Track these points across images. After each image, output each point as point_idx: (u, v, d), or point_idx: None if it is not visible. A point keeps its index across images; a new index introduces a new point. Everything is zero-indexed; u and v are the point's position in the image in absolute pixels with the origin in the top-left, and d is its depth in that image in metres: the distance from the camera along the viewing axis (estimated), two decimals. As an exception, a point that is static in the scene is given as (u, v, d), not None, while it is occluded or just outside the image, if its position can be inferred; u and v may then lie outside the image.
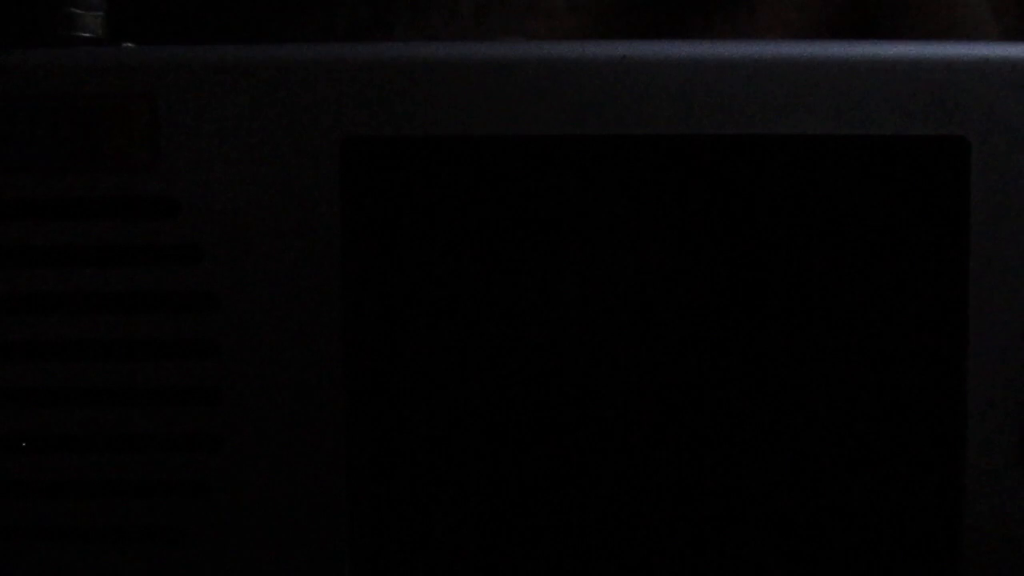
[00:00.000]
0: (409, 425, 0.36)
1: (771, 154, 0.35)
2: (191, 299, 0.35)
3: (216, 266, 0.35)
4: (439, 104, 0.35)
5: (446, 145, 0.35)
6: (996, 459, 0.35)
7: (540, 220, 0.35)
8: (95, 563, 0.36)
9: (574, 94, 0.34)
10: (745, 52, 0.35)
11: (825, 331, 0.35)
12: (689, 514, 0.36)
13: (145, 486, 0.35)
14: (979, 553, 0.35)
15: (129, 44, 0.36)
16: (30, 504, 0.36)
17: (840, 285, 0.35)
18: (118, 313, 0.35)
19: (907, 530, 0.36)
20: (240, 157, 0.35)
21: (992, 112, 0.34)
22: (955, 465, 0.35)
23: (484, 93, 0.35)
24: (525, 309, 0.36)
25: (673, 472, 0.36)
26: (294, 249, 0.35)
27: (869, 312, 0.35)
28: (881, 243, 0.35)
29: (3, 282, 0.35)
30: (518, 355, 0.36)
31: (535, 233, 0.35)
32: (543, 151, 0.35)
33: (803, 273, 0.35)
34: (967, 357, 0.35)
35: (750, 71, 0.34)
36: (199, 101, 0.35)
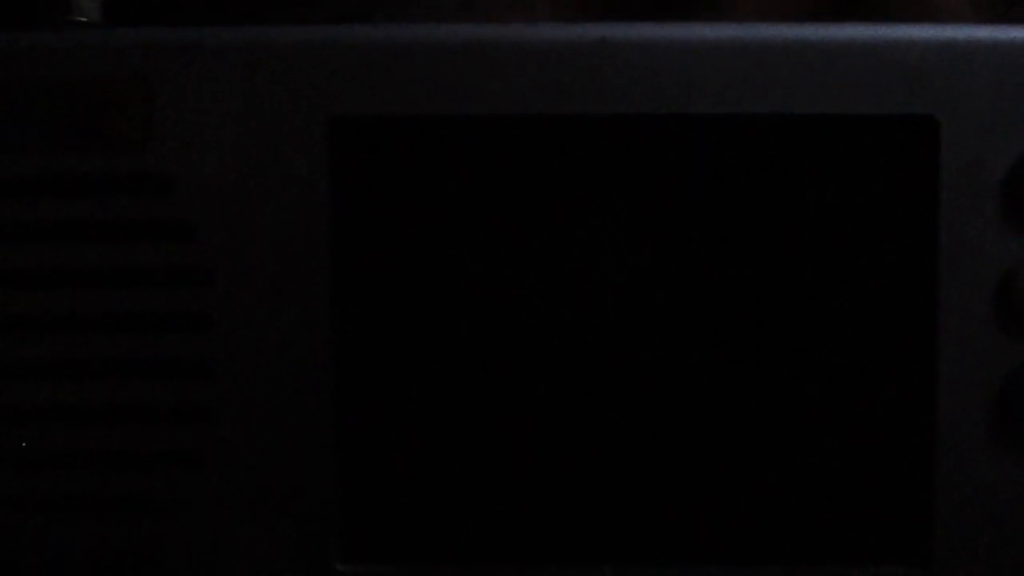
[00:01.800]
0: (398, 398, 0.36)
1: (743, 133, 0.35)
2: (184, 274, 0.36)
3: (209, 242, 0.35)
4: (424, 84, 0.35)
5: (431, 124, 0.36)
6: (968, 439, 0.35)
7: (524, 199, 0.36)
8: (88, 533, 0.36)
9: (556, 74, 0.35)
10: (718, 34, 0.35)
11: (793, 309, 0.36)
12: (671, 491, 0.36)
13: (139, 458, 0.36)
14: (952, 531, 0.36)
15: (123, 28, 0.37)
16: (24, 475, 0.36)
17: (808, 263, 0.36)
18: (113, 288, 0.36)
19: (879, 510, 0.36)
20: (232, 136, 0.35)
21: (962, 92, 0.35)
22: (927, 444, 0.36)
23: (468, 73, 0.35)
24: (512, 284, 0.36)
25: (654, 446, 0.36)
26: (285, 225, 0.35)
27: (838, 290, 0.36)
28: (850, 221, 0.36)
29: (-1, 258, 0.36)
30: (509, 333, 0.36)
31: (518, 210, 0.36)
32: (527, 130, 0.36)
33: (771, 250, 0.36)
34: (938, 336, 0.35)
35: (723, 52, 0.35)
36: (192, 82, 0.35)
